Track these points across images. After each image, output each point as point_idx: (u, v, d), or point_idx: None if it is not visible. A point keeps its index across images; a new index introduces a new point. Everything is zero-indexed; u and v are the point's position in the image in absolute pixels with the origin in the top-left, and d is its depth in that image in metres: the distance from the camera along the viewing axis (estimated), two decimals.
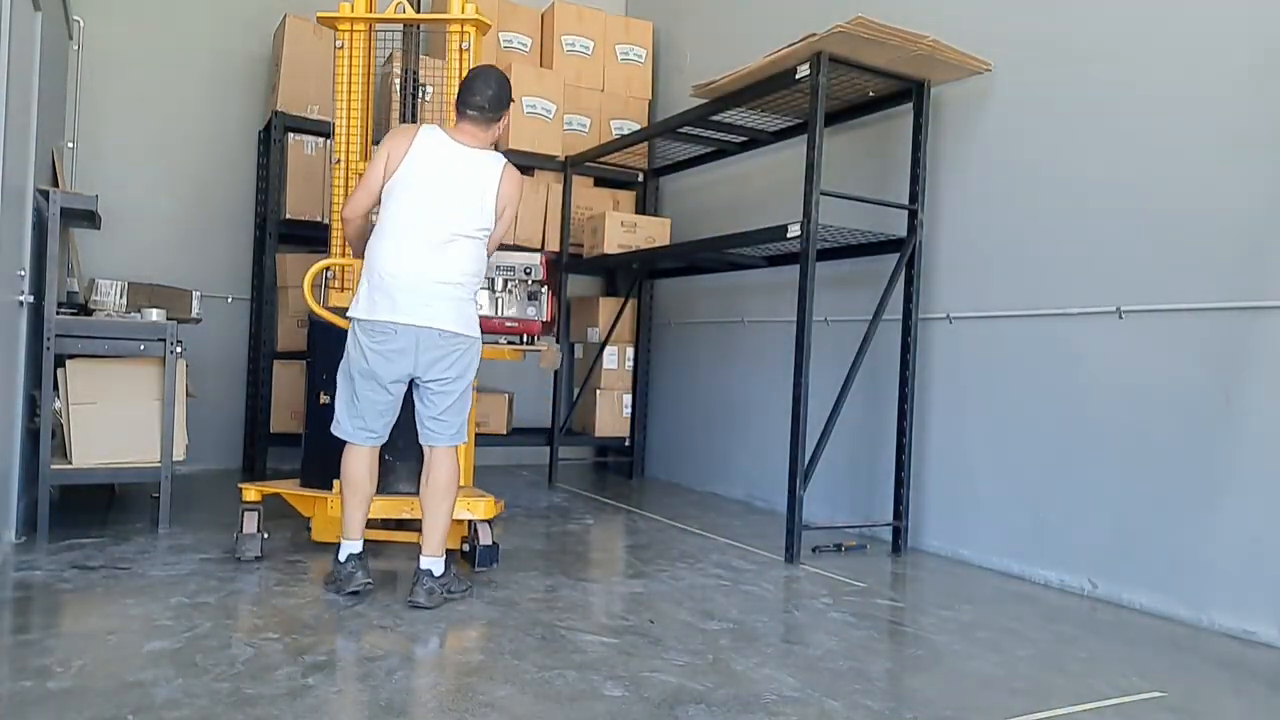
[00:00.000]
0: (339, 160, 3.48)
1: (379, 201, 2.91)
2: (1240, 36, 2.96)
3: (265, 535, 3.26)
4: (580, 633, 2.61)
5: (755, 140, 4.92)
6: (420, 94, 3.66)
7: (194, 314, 4.01)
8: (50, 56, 3.71)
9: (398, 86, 3.83)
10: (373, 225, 2.94)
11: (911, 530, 3.92)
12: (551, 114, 5.48)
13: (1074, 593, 3.32)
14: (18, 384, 3.24)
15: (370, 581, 2.87)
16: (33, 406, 3.51)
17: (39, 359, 3.41)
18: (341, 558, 2.89)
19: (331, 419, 2.98)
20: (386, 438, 2.99)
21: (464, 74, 3.31)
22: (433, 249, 2.80)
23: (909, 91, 3.92)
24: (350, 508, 2.92)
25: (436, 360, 2.82)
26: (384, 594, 2.90)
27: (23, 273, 3.18)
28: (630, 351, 5.77)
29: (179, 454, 3.69)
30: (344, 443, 2.95)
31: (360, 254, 3.01)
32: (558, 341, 4.66)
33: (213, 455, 5.14)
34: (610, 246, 5.18)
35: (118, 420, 3.59)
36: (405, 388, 2.92)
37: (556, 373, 5.65)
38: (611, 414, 5.71)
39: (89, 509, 3.95)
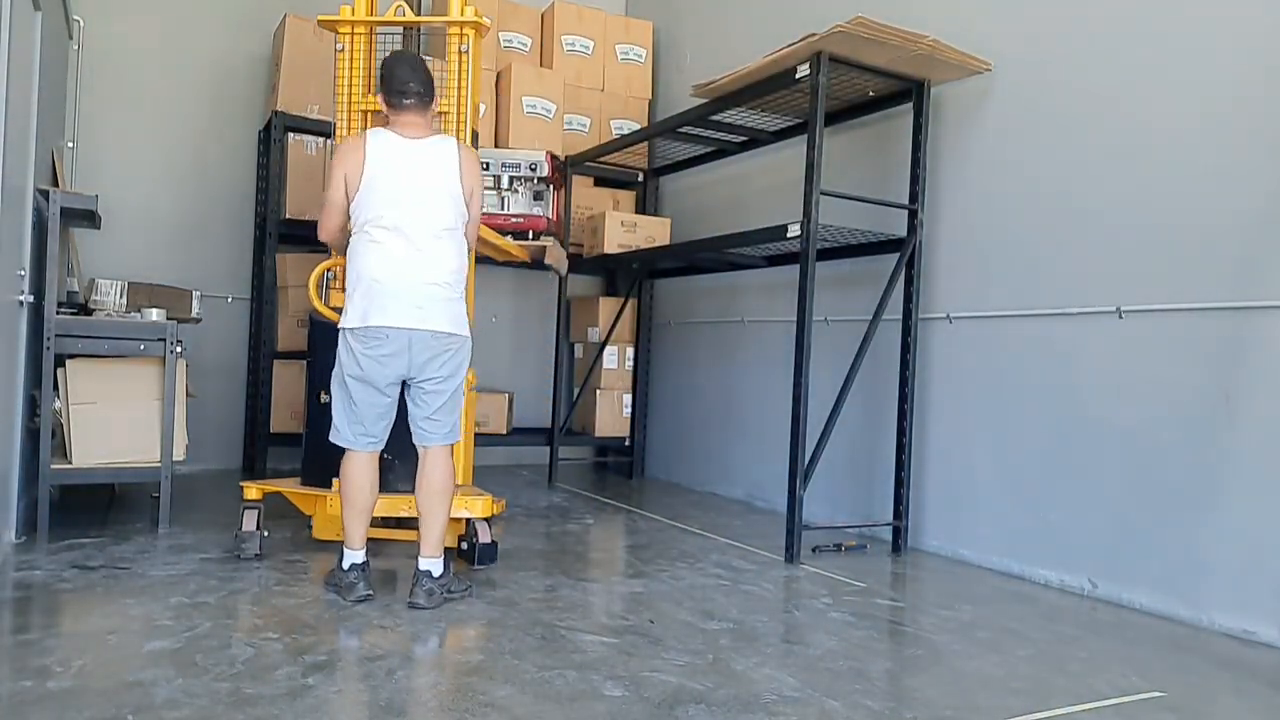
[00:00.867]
0: None
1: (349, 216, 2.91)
2: (1240, 36, 2.96)
3: (265, 533, 3.26)
4: (580, 633, 2.61)
5: (755, 140, 4.92)
6: None
7: (194, 314, 4.01)
8: (50, 56, 3.71)
9: None
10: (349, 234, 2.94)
11: (911, 530, 3.92)
12: (551, 114, 5.48)
13: (1074, 593, 3.32)
14: (18, 384, 3.24)
15: (371, 594, 2.84)
16: (33, 406, 3.51)
17: (39, 359, 3.41)
18: (344, 566, 2.86)
19: (329, 419, 2.98)
20: (384, 443, 2.97)
21: (462, 76, 3.34)
22: (416, 251, 2.80)
23: (909, 91, 3.92)
24: (349, 519, 2.89)
25: (429, 360, 2.83)
26: (384, 594, 2.90)
27: (23, 273, 3.18)
28: (630, 351, 5.77)
29: (179, 454, 3.69)
30: None
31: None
32: (563, 244, 4.62)
33: (213, 455, 5.14)
34: (610, 246, 5.18)
35: (118, 420, 3.59)
36: (399, 389, 2.91)
37: (556, 369, 5.65)
38: (611, 414, 5.71)
39: (89, 509, 3.95)
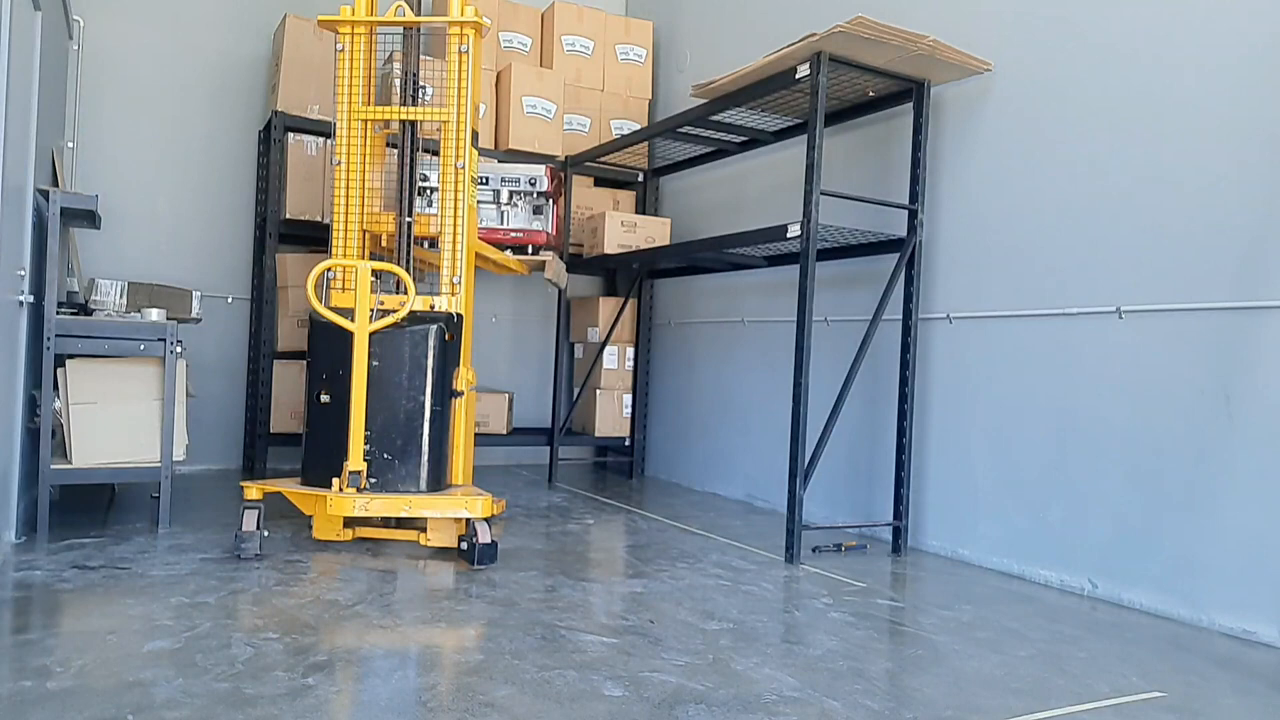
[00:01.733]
0: (339, 161, 3.49)
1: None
2: (1240, 36, 2.96)
3: (265, 533, 3.26)
4: (580, 633, 2.61)
5: (755, 140, 4.92)
6: (420, 94, 3.67)
7: (194, 314, 4.01)
8: (50, 56, 3.71)
9: (398, 87, 3.83)
10: None
11: (911, 530, 3.92)
12: (551, 114, 5.48)
13: (1074, 593, 3.32)
14: (18, 384, 3.24)
15: None
16: (33, 406, 3.51)
17: (39, 359, 3.41)
18: None
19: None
20: None
21: (462, 76, 3.38)
22: None
23: (909, 91, 3.92)
24: None
25: None
26: (384, 593, 2.90)
27: (23, 273, 3.18)
28: (630, 351, 5.77)
29: (179, 454, 3.69)
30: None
31: None
32: (562, 257, 4.64)
33: (213, 455, 5.14)
34: (610, 246, 5.19)
35: (118, 420, 3.59)
36: None
37: (556, 369, 5.65)
38: (611, 414, 5.71)
39: (89, 509, 3.95)
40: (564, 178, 5.52)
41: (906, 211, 3.89)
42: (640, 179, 5.86)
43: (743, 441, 5.09)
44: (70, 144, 4.73)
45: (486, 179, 4.02)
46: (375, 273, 3.36)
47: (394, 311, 3.35)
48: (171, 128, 5.18)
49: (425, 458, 3.41)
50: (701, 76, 4.37)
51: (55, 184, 3.93)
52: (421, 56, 3.69)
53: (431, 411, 3.42)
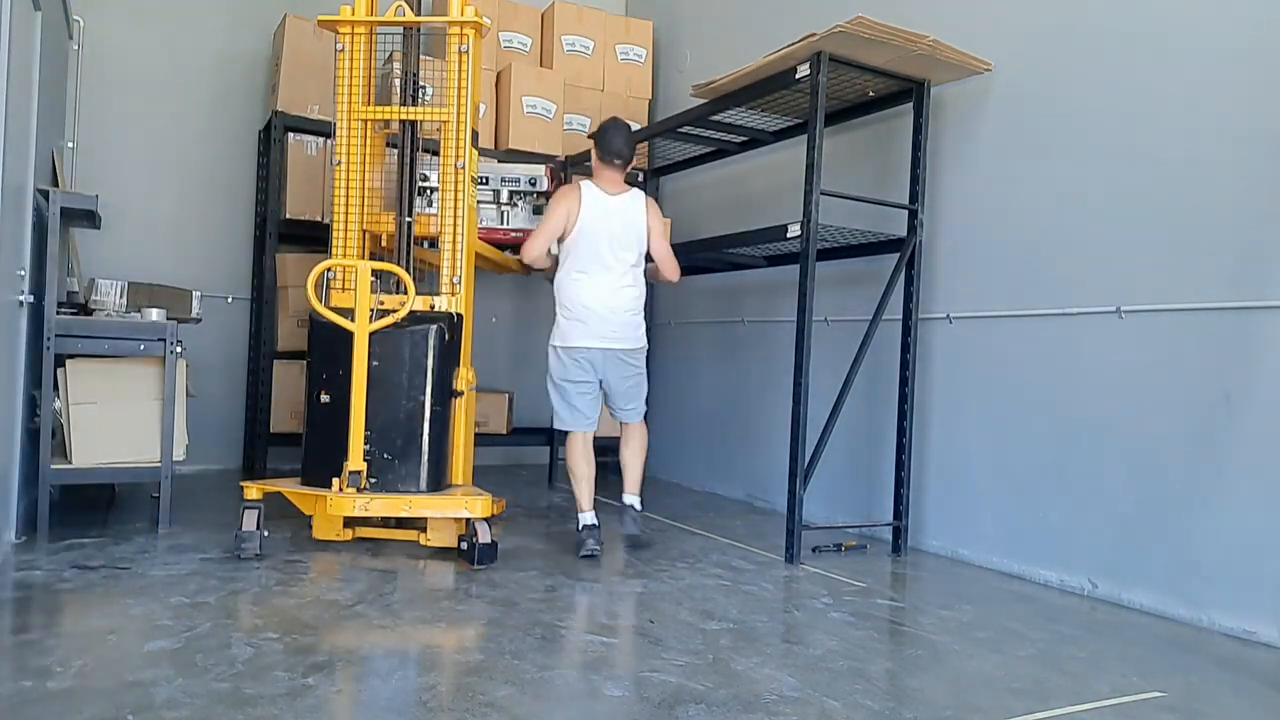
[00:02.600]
0: (339, 161, 3.49)
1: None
2: (1240, 36, 2.96)
3: (265, 533, 3.26)
4: (580, 633, 2.61)
5: (755, 140, 4.91)
6: (420, 94, 3.67)
7: (194, 314, 4.01)
8: (50, 56, 3.70)
9: (398, 87, 3.83)
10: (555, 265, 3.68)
11: (911, 530, 3.92)
12: (551, 114, 5.48)
13: (1074, 593, 3.32)
14: (18, 384, 3.24)
15: (598, 550, 3.52)
16: (33, 406, 3.51)
17: (39, 359, 3.41)
18: (579, 526, 3.58)
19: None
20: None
21: (462, 76, 3.41)
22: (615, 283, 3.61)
23: (909, 91, 3.91)
24: (578, 486, 3.67)
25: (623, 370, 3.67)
26: (384, 593, 2.90)
27: (23, 273, 3.18)
28: None
29: (179, 454, 3.69)
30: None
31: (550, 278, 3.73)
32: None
33: (213, 455, 5.14)
34: None
35: (118, 420, 3.59)
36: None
37: None
38: None
39: (89, 509, 3.95)
40: (564, 178, 5.52)
41: (906, 211, 3.89)
42: (640, 179, 5.85)
43: (743, 441, 5.09)
44: (70, 144, 4.72)
45: (486, 179, 4.03)
46: (375, 272, 3.36)
47: (394, 311, 3.35)
48: (171, 128, 5.18)
49: (425, 458, 3.41)
50: (701, 76, 4.37)
51: (55, 184, 3.93)
52: (421, 56, 3.69)
53: (431, 411, 3.42)
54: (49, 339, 3.40)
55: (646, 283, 3.83)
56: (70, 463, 3.51)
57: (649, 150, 5.56)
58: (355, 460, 3.27)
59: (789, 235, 3.69)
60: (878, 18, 3.40)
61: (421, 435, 3.40)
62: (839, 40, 3.47)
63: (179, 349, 3.63)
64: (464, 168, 3.49)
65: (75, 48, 4.74)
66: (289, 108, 4.95)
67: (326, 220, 4.83)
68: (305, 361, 3.54)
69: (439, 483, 3.46)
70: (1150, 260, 3.17)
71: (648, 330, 5.79)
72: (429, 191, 3.86)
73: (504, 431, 5.59)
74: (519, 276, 6.01)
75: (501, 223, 4.00)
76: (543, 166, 4.36)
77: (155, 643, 2.33)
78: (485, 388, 5.49)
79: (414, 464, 3.40)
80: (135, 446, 3.61)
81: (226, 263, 5.32)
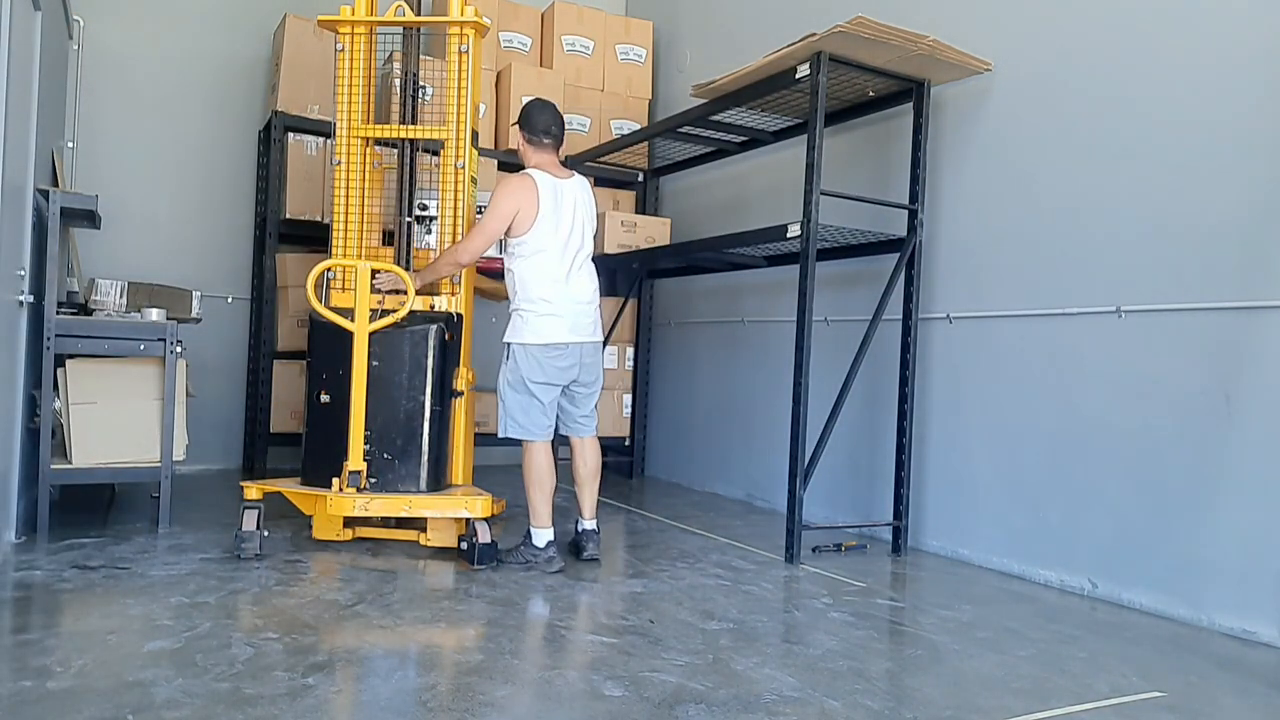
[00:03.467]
0: (339, 161, 3.49)
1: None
2: (1240, 37, 2.96)
3: (265, 533, 3.26)
4: (580, 633, 2.61)
5: (755, 140, 4.92)
6: (420, 94, 3.67)
7: (194, 314, 4.01)
8: (50, 56, 3.71)
9: (398, 87, 3.83)
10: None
11: (911, 530, 3.92)
12: None
13: (1074, 593, 3.32)
14: (18, 384, 3.24)
15: (564, 566, 3.33)
16: (33, 406, 3.51)
17: (39, 359, 3.41)
18: (539, 544, 3.32)
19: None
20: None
21: (462, 76, 3.39)
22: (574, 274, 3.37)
23: (909, 91, 3.91)
24: (542, 502, 3.36)
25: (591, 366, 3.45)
26: (384, 593, 2.90)
27: (23, 273, 3.18)
28: (630, 351, 5.77)
29: (179, 454, 3.69)
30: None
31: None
32: None
33: (213, 455, 5.14)
34: (610, 246, 5.18)
35: (118, 420, 3.59)
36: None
37: None
38: (611, 414, 5.71)
39: (89, 509, 3.95)
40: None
41: (906, 211, 3.89)
42: (640, 179, 5.86)
43: (743, 441, 5.09)
44: (70, 144, 4.73)
45: (482, 207, 4.09)
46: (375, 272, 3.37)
47: (394, 311, 3.35)
48: (171, 128, 5.18)
49: (425, 458, 3.41)
50: (701, 76, 4.37)
51: (55, 184, 3.93)
52: (421, 56, 3.69)
53: (431, 411, 3.42)
54: (49, 339, 3.40)
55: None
56: (70, 463, 3.51)
57: (649, 150, 5.56)
58: (355, 460, 3.27)
59: (789, 235, 3.69)
60: (878, 18, 3.40)
61: (421, 435, 3.40)
62: (839, 40, 3.47)
63: (179, 349, 3.63)
64: (464, 168, 3.50)
65: (75, 48, 4.74)
66: (289, 108, 4.95)
67: (326, 220, 4.83)
68: (305, 361, 3.55)
69: (439, 483, 3.46)
70: (1150, 260, 3.17)
71: (648, 330, 5.88)
72: (428, 220, 3.88)
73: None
74: None
75: (500, 251, 4.07)
76: None
77: (155, 643, 2.33)
78: (485, 388, 5.49)
79: (414, 464, 3.40)
80: (135, 446, 3.61)
81: (226, 263, 5.32)
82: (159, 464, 3.62)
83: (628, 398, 5.76)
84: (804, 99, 3.98)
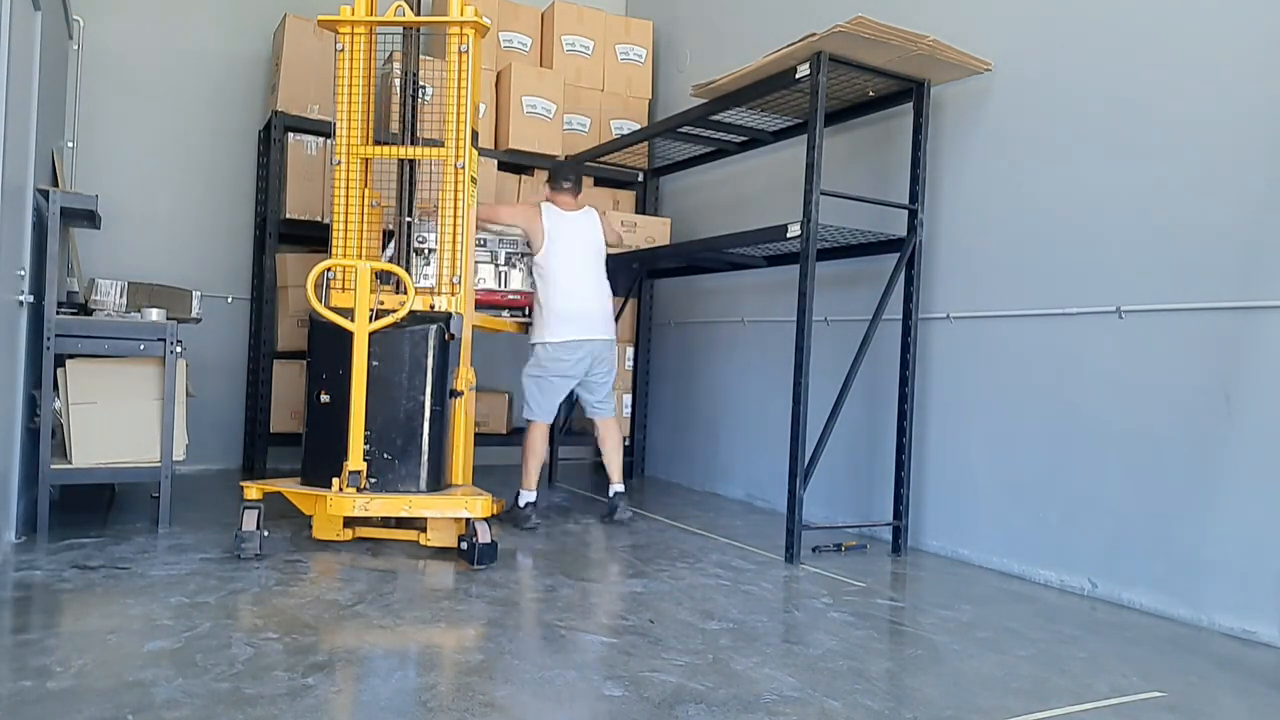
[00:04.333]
0: (339, 161, 3.49)
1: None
2: (1240, 37, 2.96)
3: (265, 533, 3.26)
4: (580, 633, 2.61)
5: (755, 140, 4.92)
6: (420, 95, 3.67)
7: (194, 314, 4.01)
8: (50, 56, 3.71)
9: (398, 87, 3.83)
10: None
11: (911, 530, 3.92)
12: (551, 114, 5.48)
13: (1074, 593, 3.32)
14: (18, 384, 3.24)
15: (538, 525, 4.05)
16: (33, 406, 3.51)
17: (39, 359, 3.41)
18: (522, 504, 4.11)
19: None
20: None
21: (462, 76, 3.47)
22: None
23: (909, 91, 3.92)
24: (534, 467, 4.21)
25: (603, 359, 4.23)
26: (384, 593, 2.90)
27: (23, 273, 3.18)
28: (630, 351, 5.77)
29: (179, 454, 3.69)
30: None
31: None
32: None
33: (213, 455, 5.14)
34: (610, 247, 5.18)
35: (118, 420, 3.59)
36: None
37: None
38: None
39: (89, 509, 3.95)
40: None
41: (906, 211, 3.89)
42: (640, 179, 5.86)
43: (743, 441, 5.09)
44: (70, 144, 4.73)
45: (484, 240, 4.19)
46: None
47: (394, 311, 3.35)
48: (171, 128, 5.18)
49: (425, 458, 3.41)
50: (701, 76, 4.37)
51: (55, 184, 3.93)
52: (421, 56, 3.69)
53: (431, 411, 3.42)
54: (49, 339, 3.40)
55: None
56: (70, 463, 3.51)
57: (649, 150, 5.56)
58: (355, 460, 3.27)
59: (789, 235, 3.69)
60: (878, 18, 3.40)
61: (421, 435, 3.40)
62: (839, 40, 3.47)
63: (179, 349, 3.63)
64: (464, 168, 3.50)
65: (75, 48, 4.74)
66: (289, 108, 4.95)
67: (326, 220, 4.83)
68: (305, 361, 3.55)
69: (439, 483, 3.46)
70: (1150, 260, 3.17)
71: (648, 330, 5.88)
72: (427, 252, 3.89)
73: (504, 431, 5.59)
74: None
75: (500, 285, 4.20)
76: None
77: (155, 643, 2.33)
78: (485, 387, 5.49)
79: (414, 464, 3.40)
80: (135, 446, 3.61)
81: (226, 263, 5.32)
82: (159, 464, 3.62)
83: (628, 397, 5.76)
84: (804, 99, 3.99)
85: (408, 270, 3.57)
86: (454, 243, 3.50)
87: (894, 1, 3.97)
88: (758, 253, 4.59)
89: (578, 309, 4.13)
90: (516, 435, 5.68)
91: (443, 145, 3.49)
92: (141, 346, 3.56)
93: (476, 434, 4.31)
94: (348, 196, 3.50)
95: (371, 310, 3.34)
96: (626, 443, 5.77)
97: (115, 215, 4.64)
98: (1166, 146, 3.14)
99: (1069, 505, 3.37)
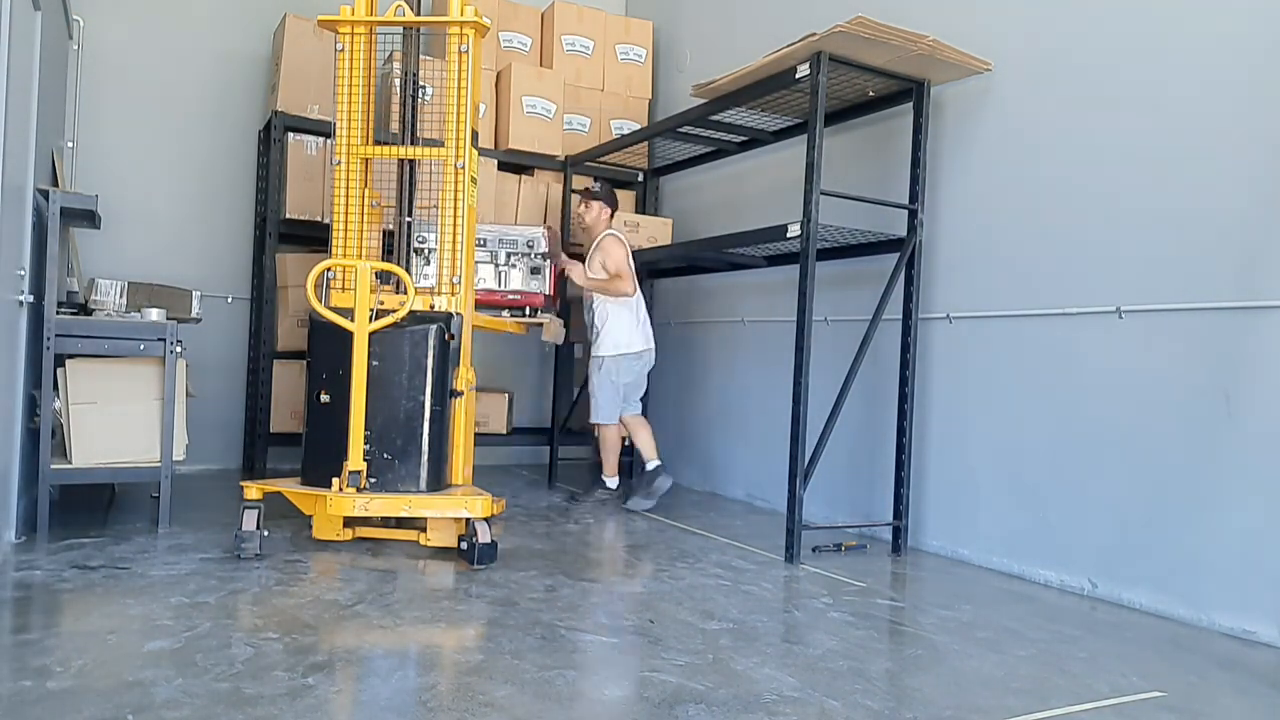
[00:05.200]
0: (339, 161, 3.49)
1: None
2: (1240, 37, 2.96)
3: (265, 533, 3.26)
4: (580, 633, 2.61)
5: (755, 140, 4.92)
6: (420, 95, 3.67)
7: (194, 314, 4.01)
8: (50, 56, 3.70)
9: (398, 87, 3.84)
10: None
11: (911, 530, 3.92)
12: (551, 114, 5.48)
13: (1074, 593, 3.32)
14: (18, 384, 3.24)
15: (606, 500, 4.74)
16: (33, 406, 3.51)
17: (39, 359, 3.41)
18: (610, 485, 4.79)
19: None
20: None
21: (462, 76, 3.52)
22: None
23: (909, 91, 3.92)
24: (614, 458, 4.81)
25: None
26: (384, 593, 2.90)
27: (23, 272, 3.18)
28: None
29: (179, 454, 3.69)
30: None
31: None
32: (559, 315, 4.82)
33: (213, 455, 5.14)
34: None
35: (118, 420, 3.59)
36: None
37: (556, 369, 5.65)
38: None
39: (89, 509, 3.95)
40: (564, 178, 5.52)
41: (906, 211, 3.89)
42: (640, 179, 5.86)
43: (743, 441, 5.09)
44: (70, 144, 4.73)
45: (485, 240, 4.16)
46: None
47: (394, 311, 3.35)
48: (171, 127, 5.18)
49: (425, 457, 3.41)
50: (701, 76, 4.37)
51: (55, 184, 3.93)
52: (421, 56, 3.69)
53: (431, 411, 3.42)
54: (49, 339, 3.40)
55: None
56: (70, 463, 3.51)
57: (649, 150, 5.56)
58: (355, 460, 3.27)
59: (789, 235, 3.69)
60: (878, 18, 3.40)
61: (421, 435, 3.40)
62: (839, 40, 3.47)
63: (179, 349, 3.63)
64: (464, 168, 3.50)
65: (75, 48, 4.74)
66: (289, 108, 4.95)
67: (326, 220, 4.84)
68: (305, 361, 3.54)
69: (439, 483, 3.46)
70: (1150, 260, 3.17)
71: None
72: (427, 251, 3.89)
73: (504, 431, 5.59)
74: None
75: (500, 285, 4.12)
76: (540, 229, 4.45)
77: (155, 643, 2.33)
78: (485, 387, 5.50)
79: (414, 464, 3.40)
80: (135, 446, 3.61)
81: (226, 263, 5.33)
82: (159, 464, 3.62)
83: None
84: (804, 99, 3.99)
85: (408, 270, 3.57)
86: (454, 243, 3.50)
87: (894, 1, 3.96)
88: (758, 253, 4.60)
89: (643, 320, 4.69)
90: (516, 435, 5.70)
91: (443, 145, 3.49)
92: (141, 346, 3.56)
93: (476, 434, 4.31)
94: (348, 196, 3.50)
95: (371, 310, 3.34)
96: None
97: (115, 215, 4.64)
98: (1166, 146, 3.14)
99: (1069, 505, 3.37)
